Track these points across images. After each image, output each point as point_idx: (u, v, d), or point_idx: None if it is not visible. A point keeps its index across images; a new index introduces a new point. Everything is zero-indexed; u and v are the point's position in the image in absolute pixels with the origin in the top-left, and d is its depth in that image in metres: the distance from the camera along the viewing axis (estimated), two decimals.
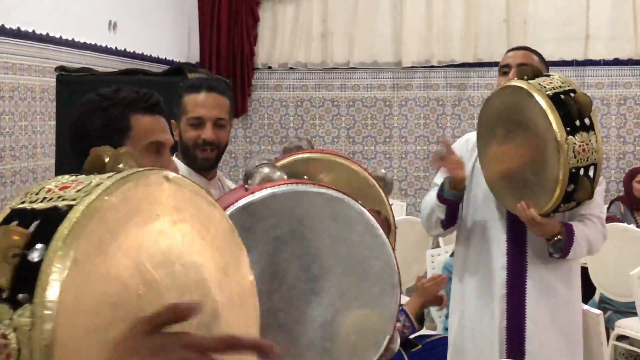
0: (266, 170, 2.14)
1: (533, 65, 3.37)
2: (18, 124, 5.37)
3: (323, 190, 2.07)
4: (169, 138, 2.28)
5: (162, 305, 1.36)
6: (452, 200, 3.55)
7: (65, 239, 1.27)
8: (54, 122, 5.39)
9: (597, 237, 3.53)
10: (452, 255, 5.42)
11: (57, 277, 1.24)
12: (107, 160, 1.52)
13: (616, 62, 7.63)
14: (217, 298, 1.50)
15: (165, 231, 1.43)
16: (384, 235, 2.02)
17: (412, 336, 4.52)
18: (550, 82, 3.25)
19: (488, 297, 3.59)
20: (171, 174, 1.48)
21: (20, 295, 1.24)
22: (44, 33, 5.60)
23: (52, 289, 1.23)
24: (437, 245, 6.51)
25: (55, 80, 4.92)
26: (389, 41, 7.92)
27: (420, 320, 4.56)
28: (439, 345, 4.47)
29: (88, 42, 6.18)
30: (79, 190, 1.36)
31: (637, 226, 6.34)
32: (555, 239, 3.41)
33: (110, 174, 1.43)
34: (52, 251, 1.25)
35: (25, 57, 5.42)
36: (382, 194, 2.43)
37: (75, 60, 5.70)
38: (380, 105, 7.97)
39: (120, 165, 1.48)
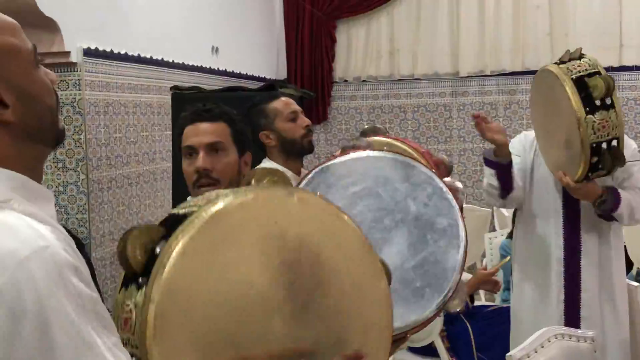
0: (353, 142, 2.11)
1: (571, 51, 3.30)
2: (140, 134, 5.45)
3: (396, 156, 2.01)
4: (199, 141, 2.25)
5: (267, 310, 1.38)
6: (498, 162, 3.46)
7: (177, 235, 1.32)
8: (169, 132, 5.52)
9: (639, 204, 3.43)
10: (507, 237, 5.37)
11: (169, 266, 1.30)
12: (252, 176, 1.54)
13: None
14: (350, 296, 1.48)
15: (282, 236, 1.41)
16: (452, 199, 1.96)
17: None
18: (579, 66, 3.19)
19: (547, 271, 3.55)
20: (297, 192, 1.48)
21: (141, 279, 1.34)
22: (160, 58, 5.67)
23: (162, 275, 1.30)
24: (494, 229, 6.47)
25: (170, 97, 5.05)
26: (448, 55, 7.85)
27: (472, 299, 4.64)
28: (497, 315, 4.52)
29: (195, 64, 6.20)
30: (204, 201, 1.41)
31: None
32: (600, 200, 3.33)
33: (233, 189, 1.46)
34: (167, 245, 1.32)
35: (145, 78, 5.49)
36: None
37: (186, 80, 5.75)
38: (441, 110, 7.94)
39: (252, 181, 1.52)
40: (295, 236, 1.42)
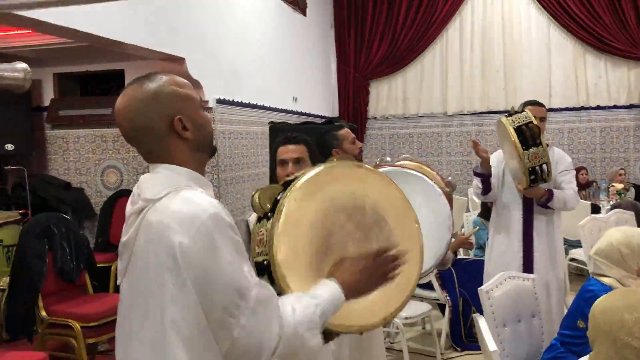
0: (381, 160, 2.07)
1: (515, 108, 3.18)
2: (250, 151, 5.45)
3: (409, 171, 1.98)
4: (289, 156, 2.15)
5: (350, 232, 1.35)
6: (482, 173, 3.38)
7: (291, 188, 1.35)
8: (267, 150, 5.53)
9: (569, 198, 3.30)
10: (478, 215, 5.33)
11: (286, 204, 1.32)
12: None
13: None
14: (396, 235, 1.43)
15: (356, 191, 1.40)
16: (444, 201, 1.93)
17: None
18: (518, 118, 3.08)
19: (511, 238, 3.44)
20: (363, 164, 1.47)
21: (269, 214, 1.33)
22: (260, 104, 5.67)
23: (283, 210, 1.32)
24: (468, 211, 6.30)
25: (268, 129, 5.02)
26: (439, 100, 7.68)
27: (455, 254, 4.59)
28: (471, 265, 4.46)
29: (283, 108, 6.20)
30: (305, 171, 1.43)
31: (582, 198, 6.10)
32: (542, 199, 3.27)
33: (330, 161, 1.46)
34: (284, 194, 1.35)
35: (251, 116, 5.49)
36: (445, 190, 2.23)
37: (278, 117, 5.72)
38: (435, 136, 7.78)
39: (334, 159, 1.48)
40: (362, 192, 1.40)
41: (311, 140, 2.31)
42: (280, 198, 1.34)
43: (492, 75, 7.57)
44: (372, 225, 1.39)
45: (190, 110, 1.30)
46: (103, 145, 5.31)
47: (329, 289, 1.30)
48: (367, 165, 1.48)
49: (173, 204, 1.21)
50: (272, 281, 1.28)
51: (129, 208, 1.33)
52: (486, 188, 3.42)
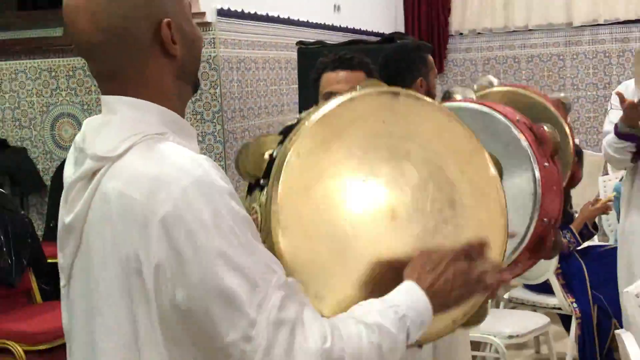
0: (451, 92, 2.06)
1: None
2: (270, 88, 5.53)
3: (476, 107, 1.95)
4: (341, 88, 2.18)
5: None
6: (632, 134, 3.47)
7: (292, 137, 1.34)
8: (296, 86, 5.45)
9: None
10: (621, 179, 5.27)
11: (286, 165, 1.31)
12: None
13: None
14: (461, 190, 1.43)
15: (390, 134, 1.40)
16: (527, 147, 1.84)
17: (582, 246, 4.56)
18: None
19: None
20: (403, 91, 1.44)
21: (262, 181, 1.37)
22: (286, 17, 5.70)
23: (281, 174, 1.31)
24: (607, 173, 6.42)
25: (296, 52, 5.07)
26: (561, 5, 7.66)
27: (594, 226, 4.58)
28: (610, 255, 4.43)
29: (319, 22, 6.21)
30: (315, 108, 1.41)
31: None
32: None
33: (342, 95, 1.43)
34: (283, 147, 1.34)
35: (273, 36, 5.55)
36: (557, 114, 2.24)
37: (310, 36, 5.74)
38: (555, 59, 7.76)
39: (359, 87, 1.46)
40: (403, 134, 1.41)
41: (374, 65, 2.35)
42: (275, 154, 1.35)
43: None
44: (433, 194, 1.40)
45: (180, 17, 1.33)
46: (52, 84, 5.36)
47: (406, 292, 1.31)
48: (408, 92, 1.44)
49: (138, 164, 1.24)
50: None
51: (69, 170, 1.37)
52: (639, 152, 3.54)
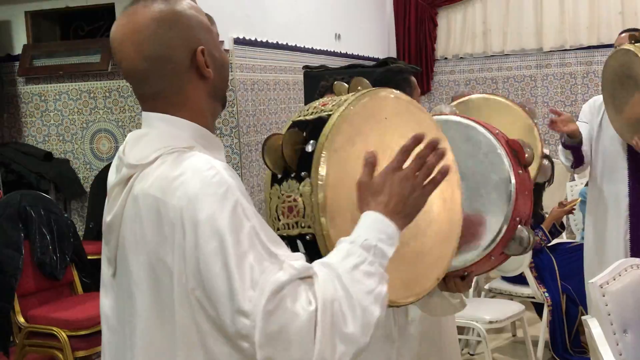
0: (438, 108, 2.02)
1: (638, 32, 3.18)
2: (280, 106, 5.54)
3: (460, 119, 1.91)
4: None
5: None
6: (572, 145, 3.44)
7: (327, 135, 1.36)
8: (302, 104, 5.55)
9: None
10: (586, 185, 5.21)
11: (324, 160, 1.35)
12: (349, 87, 1.56)
13: None
14: None
15: (392, 126, 1.46)
16: (504, 156, 1.79)
17: (552, 243, 4.54)
18: None
19: (615, 217, 3.48)
20: (394, 91, 1.52)
21: (303, 173, 1.37)
22: (294, 44, 5.72)
23: (322, 168, 1.34)
24: (573, 179, 6.40)
25: (302, 75, 5.11)
26: (533, 33, 7.64)
27: (562, 226, 4.58)
28: (577, 250, 4.41)
29: (322, 48, 6.22)
30: (333, 105, 1.44)
31: None
32: None
33: (353, 93, 1.50)
34: (320, 143, 1.36)
35: (282, 61, 5.56)
36: (522, 112, 2.38)
37: (315, 61, 5.76)
38: (527, 80, 7.74)
39: (359, 88, 1.54)
40: (395, 122, 1.47)
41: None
42: (311, 149, 1.37)
43: None
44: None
45: (211, 45, 1.35)
46: (91, 103, 5.39)
47: (362, 222, 1.29)
48: (395, 92, 1.51)
49: (162, 169, 1.26)
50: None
51: (111, 177, 1.38)
52: (578, 160, 3.51)
